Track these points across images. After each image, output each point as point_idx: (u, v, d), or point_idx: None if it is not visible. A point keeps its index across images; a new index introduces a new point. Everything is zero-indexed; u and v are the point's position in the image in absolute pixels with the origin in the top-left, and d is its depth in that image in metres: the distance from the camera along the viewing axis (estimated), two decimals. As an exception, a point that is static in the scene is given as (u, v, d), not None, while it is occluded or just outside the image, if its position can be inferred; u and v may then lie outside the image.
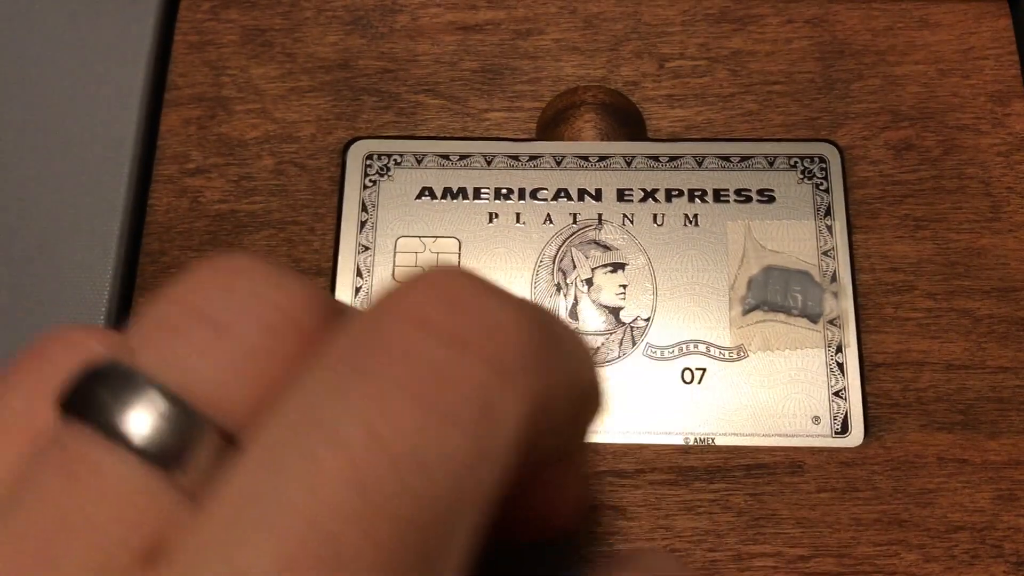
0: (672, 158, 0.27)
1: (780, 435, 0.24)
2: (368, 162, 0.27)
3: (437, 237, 0.26)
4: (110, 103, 0.27)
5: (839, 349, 0.25)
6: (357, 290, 0.25)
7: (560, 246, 0.26)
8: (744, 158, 0.26)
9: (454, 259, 0.26)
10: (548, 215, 0.26)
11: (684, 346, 0.25)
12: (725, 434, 0.24)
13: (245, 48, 0.28)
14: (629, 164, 0.26)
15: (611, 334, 0.25)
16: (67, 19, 0.28)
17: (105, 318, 0.25)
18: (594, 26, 0.28)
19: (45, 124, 0.27)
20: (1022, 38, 0.28)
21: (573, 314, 0.25)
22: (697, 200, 0.26)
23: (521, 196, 0.26)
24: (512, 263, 0.26)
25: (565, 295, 0.25)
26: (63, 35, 0.28)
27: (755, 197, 0.26)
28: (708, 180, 0.26)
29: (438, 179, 0.26)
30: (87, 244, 0.26)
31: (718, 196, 0.26)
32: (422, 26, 0.28)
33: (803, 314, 0.25)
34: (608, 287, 0.25)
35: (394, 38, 0.28)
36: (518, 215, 0.26)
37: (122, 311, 0.25)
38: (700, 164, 0.26)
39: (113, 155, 0.26)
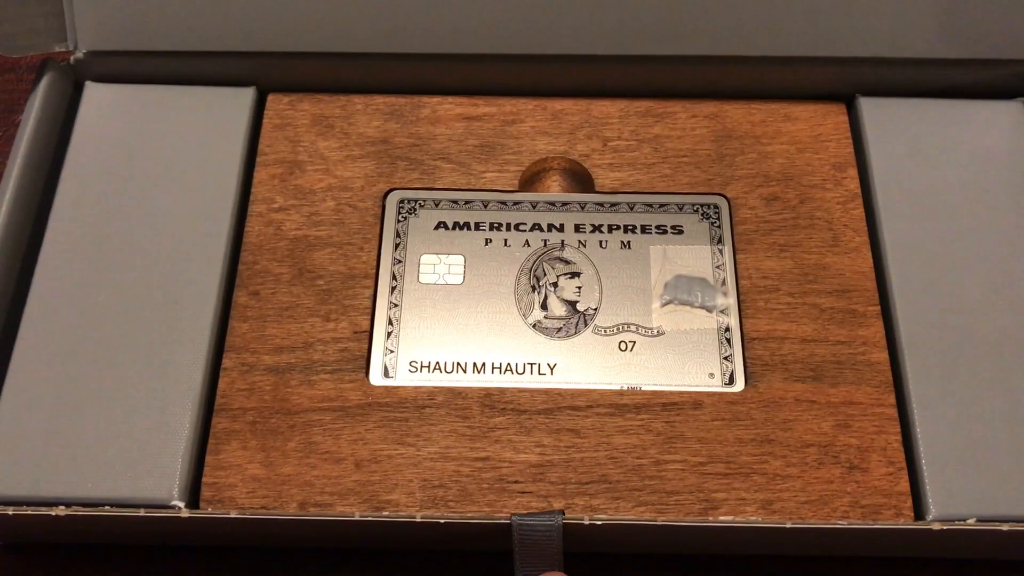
0: (612, 204, 0.38)
1: (686, 385, 0.35)
2: (401, 205, 0.38)
3: (449, 254, 0.37)
4: (213, 168, 0.38)
5: (727, 329, 0.36)
6: (392, 289, 0.36)
7: (535, 260, 0.37)
8: (662, 205, 0.38)
9: (460, 270, 0.37)
10: (527, 240, 0.37)
11: (621, 327, 0.36)
12: (648, 384, 0.34)
13: (314, 128, 0.40)
14: (583, 208, 0.38)
15: (570, 319, 0.36)
16: (183, 111, 0.40)
17: (215, 305, 0.35)
18: (558, 118, 0.40)
19: (153, 190, 0.38)
20: (854, 128, 0.40)
21: (544, 305, 0.36)
22: (630, 232, 0.37)
23: (508, 228, 0.38)
24: (501, 272, 0.37)
25: (538, 292, 0.36)
26: (179, 124, 0.39)
27: (669, 231, 0.38)
28: (637, 219, 0.38)
29: (450, 216, 0.38)
30: (197, 260, 0.36)
31: (644, 230, 0.38)
32: (439, 116, 0.40)
33: (702, 306, 0.36)
34: (568, 288, 0.36)
35: (420, 124, 0.40)
36: (505, 240, 0.37)
37: (225, 307, 0.36)
38: (632, 208, 0.38)
39: (218, 196, 0.38)
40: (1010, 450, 0.33)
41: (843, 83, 0.40)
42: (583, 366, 0.35)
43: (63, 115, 0.40)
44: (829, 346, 0.35)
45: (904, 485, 0.33)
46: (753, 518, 0.32)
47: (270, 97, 0.40)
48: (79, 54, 0.40)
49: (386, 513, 0.32)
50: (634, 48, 0.39)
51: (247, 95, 0.40)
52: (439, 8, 0.39)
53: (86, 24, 0.39)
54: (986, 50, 0.39)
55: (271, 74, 0.40)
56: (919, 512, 0.32)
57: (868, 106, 0.40)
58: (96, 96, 0.40)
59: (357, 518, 0.31)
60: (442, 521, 0.31)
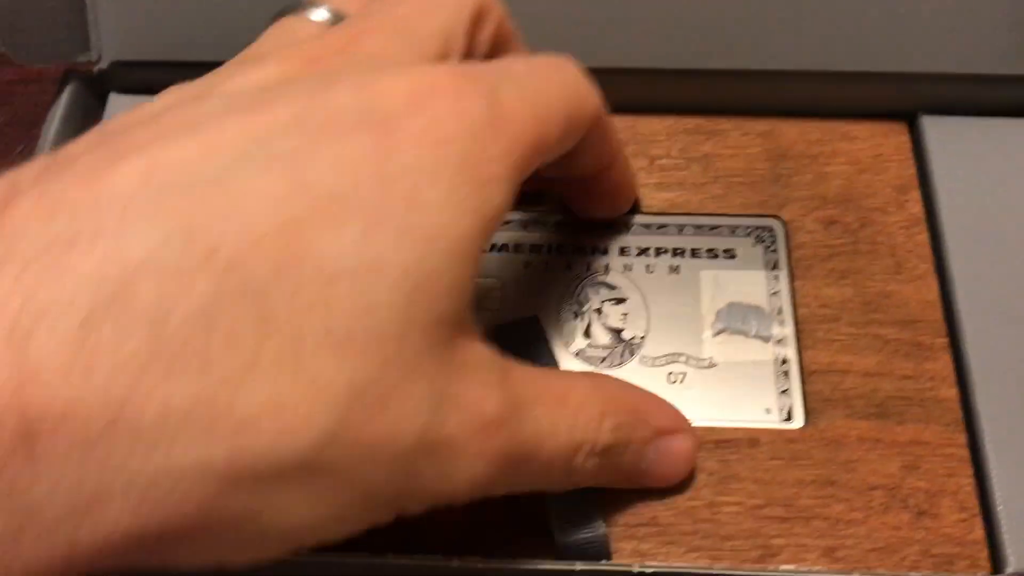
0: (660, 226, 0.36)
1: (741, 421, 0.32)
2: (436, 225, 0.36)
3: (486, 278, 0.35)
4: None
5: (784, 361, 0.33)
6: (427, 313, 0.34)
7: (577, 285, 0.35)
8: (713, 227, 0.36)
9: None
10: (569, 263, 0.35)
11: (670, 357, 0.33)
12: (700, 420, 0.32)
13: None
14: (628, 230, 0.36)
15: (615, 347, 0.34)
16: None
17: None
18: (603, 134, 0.38)
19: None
20: (917, 148, 0.37)
21: (587, 332, 0.34)
22: (678, 256, 0.35)
23: (549, 251, 0.35)
24: (542, 297, 0.34)
25: (581, 319, 0.34)
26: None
27: (721, 255, 0.35)
28: (686, 242, 0.36)
29: (487, 238, 0.36)
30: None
31: (694, 253, 0.35)
32: (476, 132, 0.38)
33: (757, 336, 0.34)
34: (613, 314, 0.34)
35: (456, 139, 0.38)
36: (546, 263, 0.35)
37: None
38: (680, 231, 0.36)
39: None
40: (1095, 497, 0.30)
41: (904, 100, 0.38)
42: (630, 399, 0.33)
43: (86, 129, 0.38)
44: (894, 381, 0.33)
45: (979, 533, 0.30)
46: (817, 567, 0.29)
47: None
48: (103, 64, 0.38)
49: (419, 555, 0.29)
50: (682, 62, 0.37)
51: (276, 108, 0.38)
52: (478, 19, 0.37)
53: (110, 33, 0.37)
54: (1063, 65, 0.37)
55: (302, 87, 0.38)
56: (996, 563, 0.30)
57: (931, 125, 0.38)
58: (121, 108, 0.38)
59: (390, 560, 0.29)
60: (479, 566, 0.29)
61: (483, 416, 0.23)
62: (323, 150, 0.21)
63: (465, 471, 0.23)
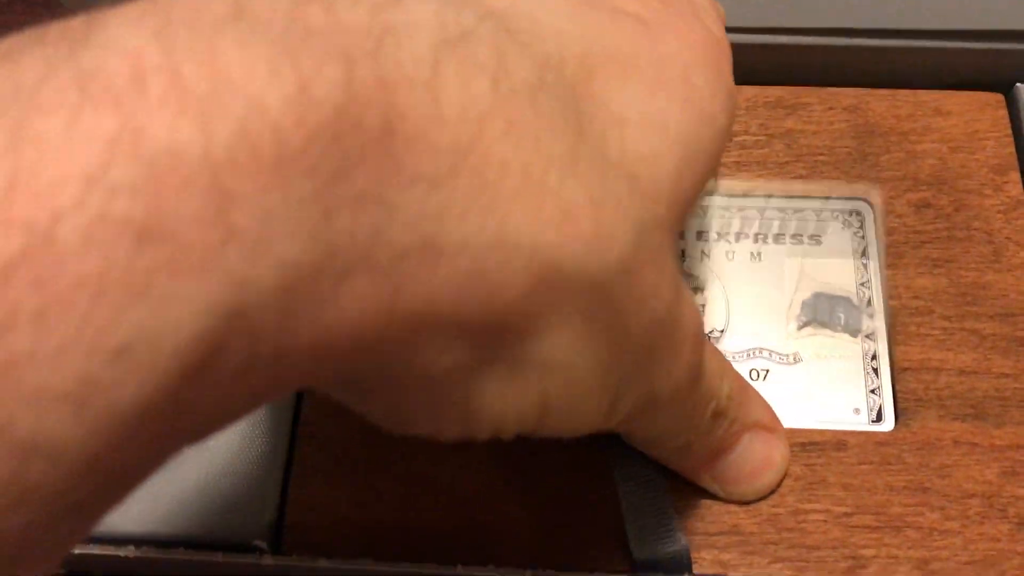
0: (740, 208, 0.34)
1: (828, 422, 0.30)
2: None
3: (555, 264, 0.33)
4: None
5: (874, 357, 0.31)
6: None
7: (652, 273, 0.33)
8: (797, 210, 0.34)
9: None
10: (642, 250, 0.33)
11: (751, 352, 0.32)
12: (784, 420, 0.30)
13: None
14: (705, 212, 0.34)
15: (693, 341, 0.32)
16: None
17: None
18: (677, 107, 0.36)
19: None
20: (1015, 124, 0.35)
21: (663, 325, 0.32)
22: (760, 241, 0.33)
23: (621, 235, 0.33)
24: (614, 285, 0.33)
25: (657, 310, 0.32)
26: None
27: (806, 240, 0.33)
28: (769, 226, 0.33)
29: (555, 220, 0.34)
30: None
31: (777, 239, 0.33)
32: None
33: (845, 330, 0.32)
34: (690, 305, 0.32)
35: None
36: (619, 249, 0.33)
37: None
38: (762, 214, 0.34)
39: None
40: None
41: (999, 68, 0.35)
42: (709, 397, 0.31)
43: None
44: (992, 379, 0.31)
45: (1083, 546, 0.29)
46: (911, 582, 0.28)
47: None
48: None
49: (491, 566, 0.28)
50: (761, 20, 0.35)
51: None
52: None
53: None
54: None
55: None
56: (1102, 579, 0.28)
57: (1031, 97, 0.35)
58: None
59: (460, 572, 0.27)
60: (556, 577, 0.27)
61: (696, 323, 0.22)
62: (600, 19, 0.21)
63: (674, 374, 0.22)
